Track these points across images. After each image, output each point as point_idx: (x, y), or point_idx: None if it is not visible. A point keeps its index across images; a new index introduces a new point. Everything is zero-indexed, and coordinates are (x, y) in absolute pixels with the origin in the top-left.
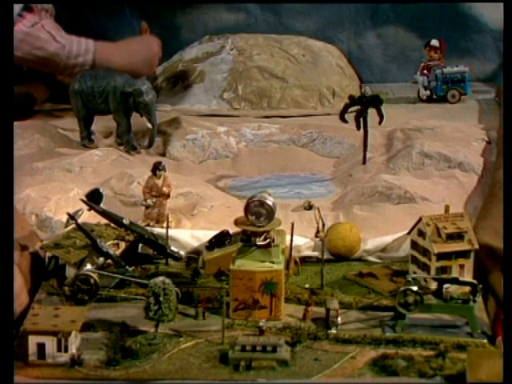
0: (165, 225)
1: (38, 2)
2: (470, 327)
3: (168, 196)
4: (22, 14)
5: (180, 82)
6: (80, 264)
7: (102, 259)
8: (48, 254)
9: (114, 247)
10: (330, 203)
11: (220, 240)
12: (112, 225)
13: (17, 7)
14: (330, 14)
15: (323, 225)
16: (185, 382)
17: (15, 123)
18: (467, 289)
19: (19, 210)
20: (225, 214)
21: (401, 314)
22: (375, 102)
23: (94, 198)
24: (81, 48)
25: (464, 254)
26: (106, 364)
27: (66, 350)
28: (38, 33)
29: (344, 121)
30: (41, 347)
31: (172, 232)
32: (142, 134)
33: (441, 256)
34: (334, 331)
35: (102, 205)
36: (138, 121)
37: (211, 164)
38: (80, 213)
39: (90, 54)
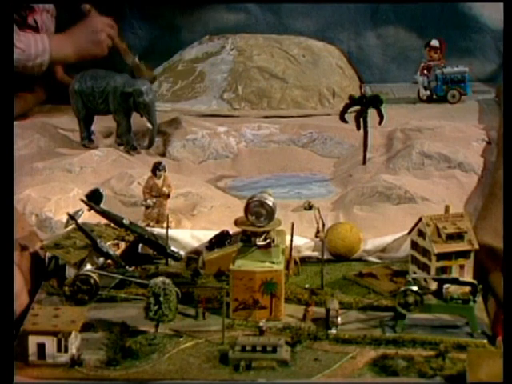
0: (165, 225)
1: (38, 2)
2: (470, 327)
3: (168, 196)
4: None
5: (180, 82)
6: (80, 264)
7: (102, 259)
8: (48, 254)
9: (114, 247)
10: (330, 203)
11: (220, 240)
12: (112, 225)
13: None
14: (330, 14)
15: (323, 225)
16: (185, 382)
17: (15, 123)
18: (467, 289)
19: (19, 210)
20: (225, 214)
21: (401, 314)
22: (375, 102)
23: (94, 198)
24: (38, 49)
25: (464, 254)
26: (106, 364)
27: (66, 350)
28: None
29: (344, 121)
30: (41, 347)
31: (172, 232)
32: (142, 134)
33: (441, 256)
34: (333, 331)
35: (102, 205)
36: (138, 121)
37: (211, 164)
38: (80, 213)
39: (47, 54)
